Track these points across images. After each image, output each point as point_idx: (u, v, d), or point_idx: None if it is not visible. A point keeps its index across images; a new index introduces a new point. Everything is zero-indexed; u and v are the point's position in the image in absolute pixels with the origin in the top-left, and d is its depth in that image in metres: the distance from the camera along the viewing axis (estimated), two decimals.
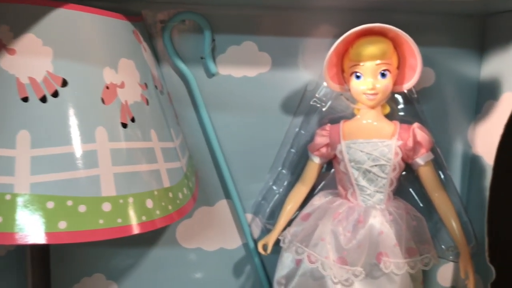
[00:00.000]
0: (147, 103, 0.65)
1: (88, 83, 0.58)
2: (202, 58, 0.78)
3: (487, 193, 0.77)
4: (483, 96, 0.81)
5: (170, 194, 0.64)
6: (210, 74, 0.79)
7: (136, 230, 0.57)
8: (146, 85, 0.66)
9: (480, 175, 0.81)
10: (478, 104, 0.83)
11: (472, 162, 0.84)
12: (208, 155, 0.82)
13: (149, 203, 0.59)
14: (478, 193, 0.82)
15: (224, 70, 0.80)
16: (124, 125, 0.60)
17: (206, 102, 0.80)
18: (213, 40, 0.78)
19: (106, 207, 0.55)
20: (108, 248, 0.83)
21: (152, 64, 0.73)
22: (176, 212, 0.64)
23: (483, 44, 0.81)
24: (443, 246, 0.79)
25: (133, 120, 0.61)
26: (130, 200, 0.57)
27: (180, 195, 0.67)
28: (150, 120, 0.65)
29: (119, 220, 0.56)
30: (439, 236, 0.80)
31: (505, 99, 0.75)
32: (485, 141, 0.81)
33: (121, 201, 0.57)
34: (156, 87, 0.70)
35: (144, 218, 0.58)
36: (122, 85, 0.61)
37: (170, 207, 0.63)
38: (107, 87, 0.59)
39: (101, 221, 0.55)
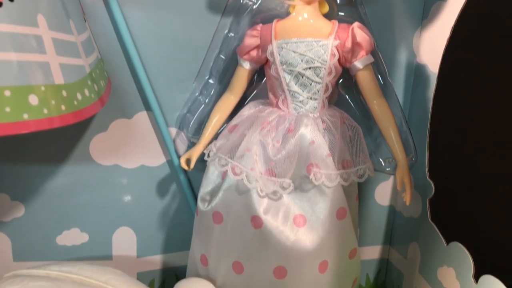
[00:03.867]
0: None
1: None
2: None
3: (430, 104, 0.72)
4: None
5: (64, 93, 0.54)
6: None
7: (15, 130, 0.47)
8: None
9: (424, 85, 0.75)
10: (425, 7, 0.75)
11: (416, 72, 0.77)
12: (124, 60, 0.72)
13: (33, 99, 0.49)
14: (421, 105, 0.76)
15: None
16: None
17: None
18: None
19: None
20: (11, 166, 0.73)
21: None
22: (73, 114, 0.55)
23: None
24: (380, 159, 0.73)
25: None
26: (7, 93, 0.47)
27: (79, 96, 0.57)
28: (37, 3, 0.53)
29: None
30: (377, 152, 0.75)
31: None
32: (430, 48, 0.75)
33: None
34: None
35: (26, 116, 0.48)
36: None
37: (63, 107, 0.53)
38: None
39: None
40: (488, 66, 0.68)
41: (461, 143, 0.72)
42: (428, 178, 0.73)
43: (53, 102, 0.52)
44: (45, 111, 0.51)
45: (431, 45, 0.74)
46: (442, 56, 0.68)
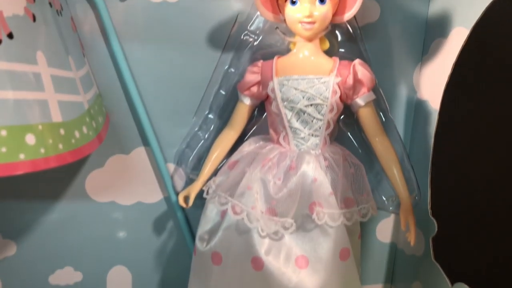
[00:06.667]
0: (34, 19, 0.53)
1: None
2: None
3: (431, 140, 0.71)
4: (431, 34, 0.74)
5: (62, 131, 0.53)
6: None
7: (10, 171, 0.46)
8: None
9: (424, 121, 0.75)
10: (425, 43, 0.75)
11: (417, 108, 0.77)
12: (122, 95, 0.71)
13: (30, 139, 0.48)
14: (422, 141, 0.75)
15: None
16: None
17: (118, 32, 0.68)
18: None
19: None
20: (3, 202, 0.70)
21: None
22: (70, 153, 0.53)
23: None
24: (383, 197, 0.72)
25: (10, 36, 0.49)
26: (3, 133, 0.46)
27: (77, 134, 0.56)
28: (37, 40, 0.52)
29: None
30: (379, 188, 0.73)
31: (454, 35, 0.68)
32: (431, 84, 0.75)
33: None
34: (51, 4, 0.58)
35: (22, 156, 0.47)
36: None
37: (60, 146, 0.52)
38: None
39: None
40: (489, 103, 0.68)
41: (463, 180, 0.71)
42: (430, 216, 0.72)
43: (50, 141, 0.50)
44: (42, 150, 0.49)
45: (432, 81, 0.74)
46: (443, 93, 0.68)
